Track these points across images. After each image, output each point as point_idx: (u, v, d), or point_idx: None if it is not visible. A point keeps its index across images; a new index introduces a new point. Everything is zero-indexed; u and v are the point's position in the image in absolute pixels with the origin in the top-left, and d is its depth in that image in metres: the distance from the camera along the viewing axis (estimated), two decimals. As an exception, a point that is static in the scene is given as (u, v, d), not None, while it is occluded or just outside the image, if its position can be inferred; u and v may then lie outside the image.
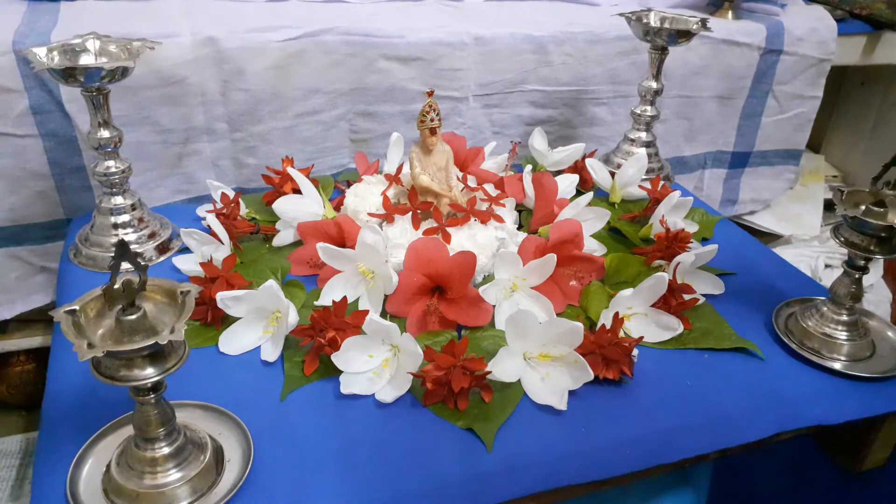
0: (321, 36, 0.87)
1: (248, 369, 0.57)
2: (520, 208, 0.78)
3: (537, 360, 0.57)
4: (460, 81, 0.95)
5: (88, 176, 0.82)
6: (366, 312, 0.56)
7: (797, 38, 1.09)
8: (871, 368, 0.60)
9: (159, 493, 0.44)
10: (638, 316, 0.63)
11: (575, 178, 0.84)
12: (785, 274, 0.75)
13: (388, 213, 0.69)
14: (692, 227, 0.79)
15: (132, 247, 0.70)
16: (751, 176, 1.23)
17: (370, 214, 0.70)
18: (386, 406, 0.54)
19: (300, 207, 0.73)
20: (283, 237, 0.73)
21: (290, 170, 0.75)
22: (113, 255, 0.38)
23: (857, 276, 0.61)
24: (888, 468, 0.65)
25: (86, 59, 0.66)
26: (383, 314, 0.63)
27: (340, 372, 0.55)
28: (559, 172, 0.86)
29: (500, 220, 0.70)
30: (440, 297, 0.62)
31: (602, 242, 0.75)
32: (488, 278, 0.66)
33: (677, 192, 0.77)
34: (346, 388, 0.54)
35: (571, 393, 0.55)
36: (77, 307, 0.39)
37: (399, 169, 0.76)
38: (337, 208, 0.76)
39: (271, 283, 0.58)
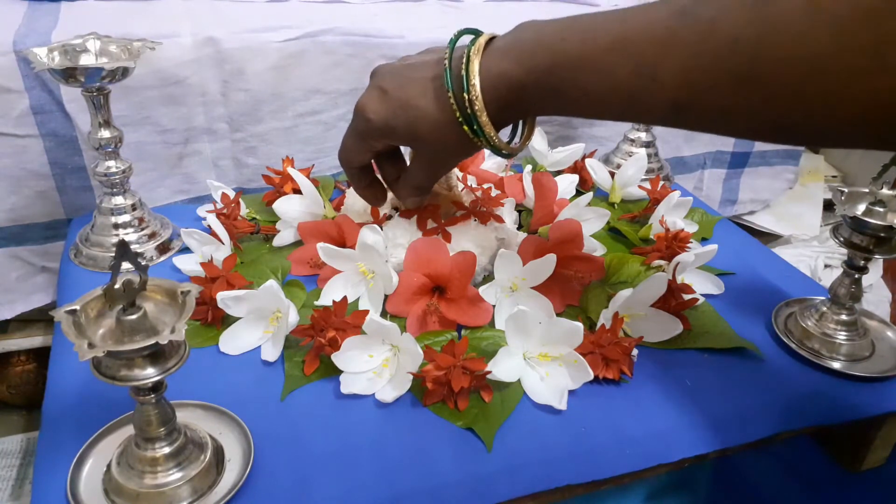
0: (321, 36, 0.87)
1: (249, 369, 0.57)
2: (520, 208, 0.78)
3: (537, 359, 0.57)
4: (460, 82, 0.95)
5: (89, 176, 0.82)
6: (366, 312, 0.56)
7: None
8: (871, 368, 0.60)
9: (160, 492, 0.44)
10: (637, 316, 0.63)
11: (575, 178, 0.84)
12: (784, 274, 0.75)
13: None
14: (692, 227, 0.79)
15: (133, 247, 0.70)
16: (750, 176, 1.23)
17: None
18: (386, 406, 0.54)
19: (300, 207, 0.73)
20: (284, 237, 0.73)
21: (290, 170, 0.75)
22: (113, 255, 0.38)
23: (856, 276, 0.61)
24: (888, 468, 0.65)
25: (86, 60, 0.66)
26: (383, 314, 0.63)
27: (341, 372, 0.55)
28: (559, 172, 0.86)
29: (500, 220, 0.70)
30: (440, 297, 0.62)
31: (602, 242, 0.75)
32: (488, 278, 0.66)
33: (677, 192, 0.77)
34: (346, 388, 0.54)
35: (571, 393, 0.55)
36: (77, 307, 0.39)
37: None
38: (337, 208, 0.76)
39: (272, 283, 0.58)
